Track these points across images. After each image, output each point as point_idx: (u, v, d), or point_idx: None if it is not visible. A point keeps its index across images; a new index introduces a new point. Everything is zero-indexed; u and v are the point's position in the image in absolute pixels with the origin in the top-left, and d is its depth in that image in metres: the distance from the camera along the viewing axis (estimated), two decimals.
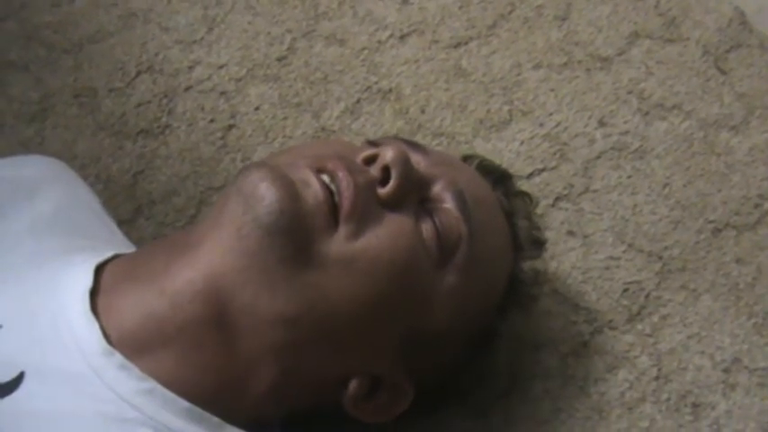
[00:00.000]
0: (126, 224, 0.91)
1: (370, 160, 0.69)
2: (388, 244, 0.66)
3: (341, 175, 0.66)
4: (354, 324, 0.66)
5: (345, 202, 0.65)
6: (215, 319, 0.64)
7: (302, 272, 0.64)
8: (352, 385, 0.68)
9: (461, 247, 0.69)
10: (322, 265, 0.65)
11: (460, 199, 0.70)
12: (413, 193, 0.69)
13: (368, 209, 0.66)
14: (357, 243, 0.65)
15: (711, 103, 0.98)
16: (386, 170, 0.68)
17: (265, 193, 0.64)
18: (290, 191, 0.64)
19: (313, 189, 0.66)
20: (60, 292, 0.66)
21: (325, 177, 0.67)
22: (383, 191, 0.67)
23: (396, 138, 0.78)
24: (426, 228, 0.68)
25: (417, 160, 0.71)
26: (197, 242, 0.66)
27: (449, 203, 0.70)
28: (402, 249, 0.67)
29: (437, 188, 0.71)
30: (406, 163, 0.68)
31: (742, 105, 0.98)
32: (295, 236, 0.64)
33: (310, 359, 0.67)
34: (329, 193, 0.66)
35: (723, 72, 1.00)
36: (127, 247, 0.82)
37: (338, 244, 0.65)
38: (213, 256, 0.65)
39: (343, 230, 0.65)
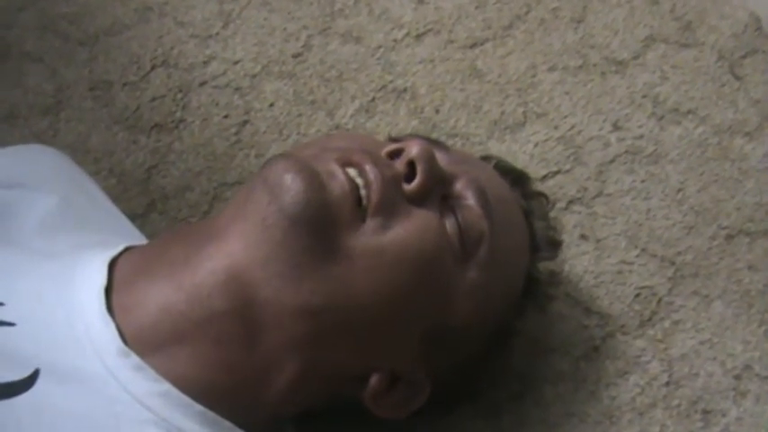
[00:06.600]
0: (139, 219, 0.91)
1: (395, 155, 0.70)
2: (415, 237, 0.66)
3: (368, 168, 0.66)
4: (379, 317, 0.66)
5: (374, 194, 0.66)
6: (236, 312, 0.64)
7: (328, 263, 0.64)
8: (374, 380, 0.69)
9: (483, 243, 0.70)
10: (348, 258, 0.65)
11: (482, 196, 0.71)
12: (436, 189, 0.69)
13: (395, 202, 0.67)
14: (385, 236, 0.65)
15: (726, 109, 0.98)
16: (411, 165, 0.68)
17: (291, 183, 0.64)
18: (316, 181, 0.65)
19: (339, 180, 0.66)
20: (75, 290, 0.66)
21: (352, 171, 0.67)
22: (409, 186, 0.68)
23: (417, 135, 0.78)
24: (450, 224, 0.69)
25: (439, 157, 0.71)
26: (218, 234, 0.66)
27: (471, 200, 0.70)
28: (428, 243, 0.67)
29: (459, 185, 0.71)
30: (431, 159, 0.69)
31: (756, 111, 0.98)
32: (320, 226, 0.64)
33: (333, 353, 0.67)
34: (354, 185, 0.66)
35: (738, 78, 1.00)
36: (132, 234, 0.83)
37: (366, 236, 0.65)
38: (236, 247, 0.64)
39: (371, 223, 0.65)
